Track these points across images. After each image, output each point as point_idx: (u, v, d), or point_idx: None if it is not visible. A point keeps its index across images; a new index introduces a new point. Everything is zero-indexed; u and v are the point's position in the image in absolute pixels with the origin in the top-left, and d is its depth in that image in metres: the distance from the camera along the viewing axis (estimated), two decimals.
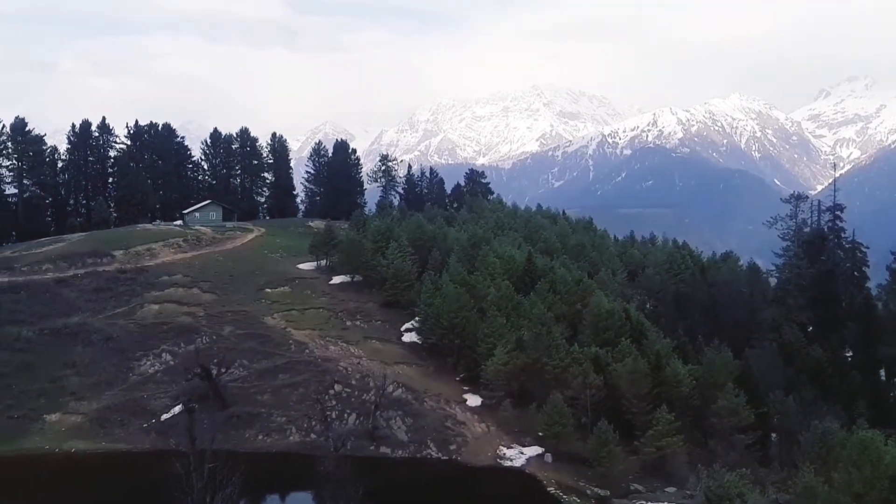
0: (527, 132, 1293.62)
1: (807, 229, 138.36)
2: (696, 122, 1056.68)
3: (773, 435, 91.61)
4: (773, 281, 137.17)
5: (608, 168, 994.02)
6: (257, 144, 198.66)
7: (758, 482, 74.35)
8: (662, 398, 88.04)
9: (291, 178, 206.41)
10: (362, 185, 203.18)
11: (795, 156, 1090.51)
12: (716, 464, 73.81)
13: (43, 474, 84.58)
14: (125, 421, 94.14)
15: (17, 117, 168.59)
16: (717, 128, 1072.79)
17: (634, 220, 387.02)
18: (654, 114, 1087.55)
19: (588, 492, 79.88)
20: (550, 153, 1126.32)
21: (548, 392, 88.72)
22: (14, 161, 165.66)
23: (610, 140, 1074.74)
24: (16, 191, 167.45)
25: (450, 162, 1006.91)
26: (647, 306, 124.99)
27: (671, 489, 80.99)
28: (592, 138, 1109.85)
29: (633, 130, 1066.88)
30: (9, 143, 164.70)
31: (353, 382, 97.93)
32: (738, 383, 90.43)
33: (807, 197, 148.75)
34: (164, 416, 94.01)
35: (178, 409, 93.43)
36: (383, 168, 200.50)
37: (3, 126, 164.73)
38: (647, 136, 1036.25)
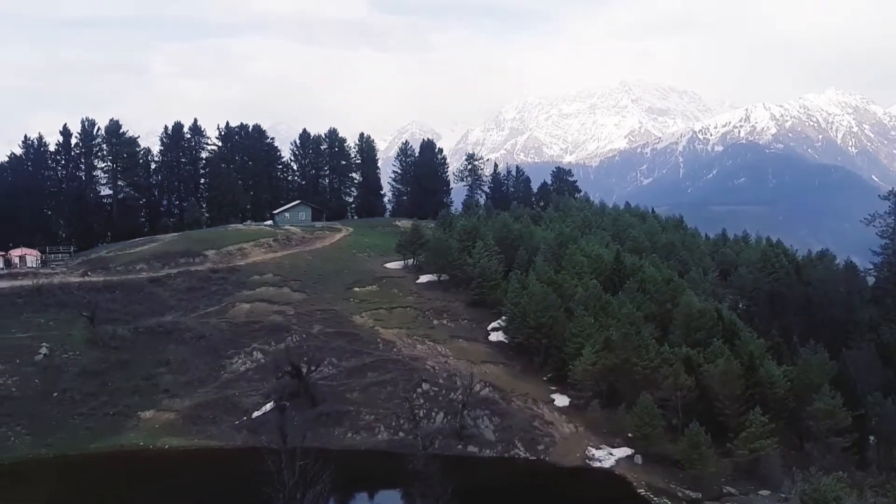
0: (615, 129, 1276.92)
1: None
2: (791, 118, 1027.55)
3: (871, 437, 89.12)
4: (870, 280, 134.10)
5: (699, 165, 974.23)
6: (345, 145, 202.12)
7: (855, 486, 72.43)
8: (756, 400, 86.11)
9: (379, 178, 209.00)
10: (449, 185, 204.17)
11: (894, 151, 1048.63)
12: (811, 467, 72.91)
13: (137, 470, 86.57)
14: (217, 418, 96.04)
15: (111, 120, 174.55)
16: (811, 123, 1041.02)
17: (726, 218, 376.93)
18: (747, 109, 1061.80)
19: (679, 494, 78.59)
20: (639, 150, 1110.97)
21: (637, 393, 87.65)
22: (109, 163, 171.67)
23: (700, 136, 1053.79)
24: (111, 192, 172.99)
25: (536, 160, 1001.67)
26: (740, 306, 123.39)
27: (765, 492, 79.25)
28: (682, 135, 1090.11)
29: (724, 126, 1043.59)
30: (104, 146, 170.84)
31: (441, 381, 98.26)
32: (835, 385, 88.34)
33: None
34: (256, 414, 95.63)
35: (268, 406, 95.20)
36: (469, 167, 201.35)
37: (98, 129, 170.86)
38: (739, 131, 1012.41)
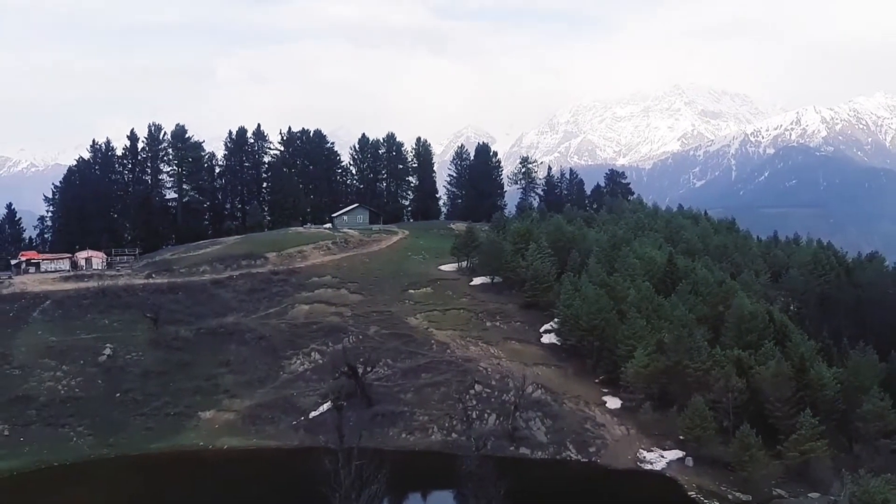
0: (667, 132, 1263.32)
1: None
2: (841, 121, 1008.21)
3: None
4: None
5: (751, 167, 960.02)
6: (402, 149, 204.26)
7: None
8: (806, 402, 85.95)
9: (434, 182, 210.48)
10: (503, 188, 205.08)
11: None
12: (861, 469, 72.19)
13: (196, 470, 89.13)
14: (275, 418, 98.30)
15: (177, 125, 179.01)
16: (861, 126, 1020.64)
17: (778, 220, 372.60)
18: (798, 112, 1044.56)
19: (730, 496, 78.95)
20: (692, 153, 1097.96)
21: (689, 395, 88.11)
22: (174, 167, 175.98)
23: (752, 139, 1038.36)
24: (176, 195, 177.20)
25: (589, 163, 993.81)
26: (791, 308, 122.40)
27: (815, 495, 79.13)
28: (735, 137, 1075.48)
29: (775, 129, 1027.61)
30: (170, 150, 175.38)
31: (493, 383, 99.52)
32: (885, 387, 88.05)
33: None
34: (313, 414, 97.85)
35: (325, 406, 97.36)
36: (523, 170, 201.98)
37: (165, 133, 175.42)
38: (791, 134, 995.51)
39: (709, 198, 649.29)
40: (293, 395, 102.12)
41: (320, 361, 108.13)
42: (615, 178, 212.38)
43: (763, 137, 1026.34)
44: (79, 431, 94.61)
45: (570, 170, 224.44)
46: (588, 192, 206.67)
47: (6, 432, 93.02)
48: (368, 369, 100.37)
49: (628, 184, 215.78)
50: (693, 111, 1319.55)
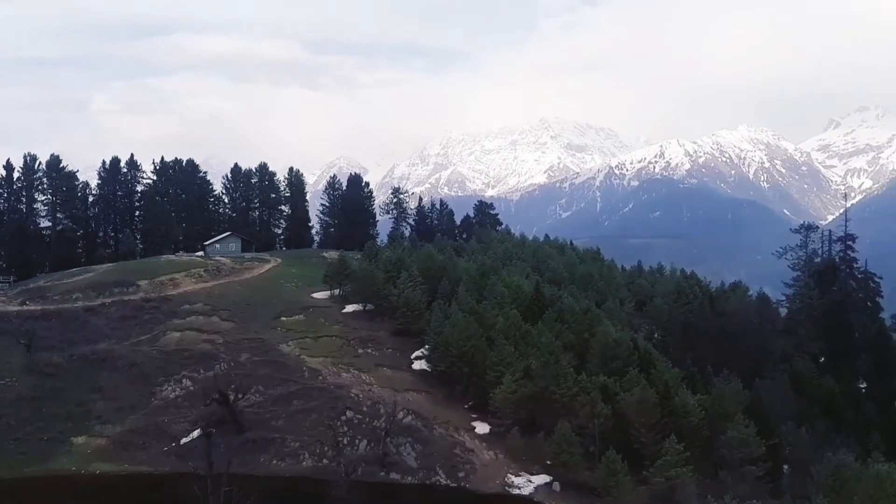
0: (535, 165, 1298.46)
1: (818, 259, 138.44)
2: (704, 153, 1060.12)
3: (785, 467, 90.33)
4: (783, 311, 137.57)
5: (615, 199, 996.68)
6: (275, 178, 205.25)
7: None
8: (671, 428, 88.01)
9: (307, 211, 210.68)
10: (375, 217, 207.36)
11: (805, 186, 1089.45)
12: (726, 495, 74.16)
13: (69, 495, 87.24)
14: (147, 444, 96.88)
15: (52, 155, 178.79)
16: (724, 159, 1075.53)
17: (642, 251, 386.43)
18: (661, 145, 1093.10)
19: None
20: (558, 185, 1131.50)
21: (556, 420, 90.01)
22: (49, 196, 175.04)
23: (617, 171, 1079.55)
24: (50, 224, 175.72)
25: (459, 194, 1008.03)
26: (656, 336, 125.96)
27: None
28: (600, 170, 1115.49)
29: (640, 162, 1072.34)
30: (44, 179, 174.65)
31: (365, 409, 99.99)
32: (749, 414, 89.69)
33: (817, 227, 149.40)
34: (184, 440, 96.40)
35: (196, 433, 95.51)
36: (395, 200, 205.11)
37: (39, 163, 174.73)
38: (655, 167, 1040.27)
39: (575, 228, 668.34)
40: (165, 422, 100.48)
41: (192, 388, 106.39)
42: (484, 209, 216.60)
43: (627, 170, 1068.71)
44: None
45: (441, 200, 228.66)
46: (458, 223, 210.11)
47: None
48: (240, 396, 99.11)
49: (497, 214, 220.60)
50: (559, 144, 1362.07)
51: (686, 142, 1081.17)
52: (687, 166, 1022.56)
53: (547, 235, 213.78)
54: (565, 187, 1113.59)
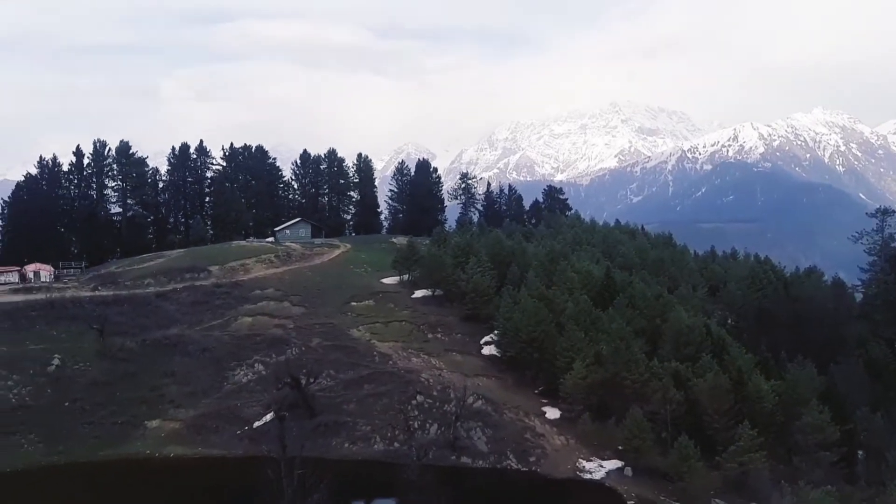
0: (605, 149, 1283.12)
1: (894, 244, 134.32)
2: (778, 137, 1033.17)
3: (860, 452, 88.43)
4: (858, 296, 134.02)
5: (688, 183, 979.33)
6: (344, 164, 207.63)
7: (843, 500, 72.92)
8: (745, 414, 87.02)
9: (376, 196, 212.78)
10: (443, 203, 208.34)
11: (881, 170, 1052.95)
12: (800, 481, 73.06)
13: (144, 477, 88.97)
14: (220, 428, 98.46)
15: (121, 141, 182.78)
16: (799, 142, 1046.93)
17: (715, 236, 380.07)
18: (735, 129, 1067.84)
19: None
20: (629, 169, 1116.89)
21: (627, 406, 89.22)
22: (119, 182, 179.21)
23: (689, 155, 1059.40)
24: (120, 210, 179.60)
25: (528, 179, 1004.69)
26: (729, 322, 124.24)
27: None
28: (672, 154, 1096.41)
29: (713, 146, 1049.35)
30: (114, 166, 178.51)
31: (435, 394, 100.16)
32: (823, 400, 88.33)
33: (893, 212, 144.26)
34: (256, 424, 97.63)
35: (269, 417, 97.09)
36: (463, 186, 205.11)
37: (109, 150, 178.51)
38: (728, 151, 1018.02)
39: (646, 213, 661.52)
40: (237, 406, 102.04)
41: (263, 373, 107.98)
42: (553, 194, 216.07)
43: (700, 154, 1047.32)
44: (30, 439, 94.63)
45: (510, 185, 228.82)
46: (527, 208, 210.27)
47: None
48: (311, 380, 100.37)
49: (566, 199, 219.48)
50: (630, 128, 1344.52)
51: (760, 125, 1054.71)
52: (761, 150, 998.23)
53: (617, 220, 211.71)
54: (636, 171, 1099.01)
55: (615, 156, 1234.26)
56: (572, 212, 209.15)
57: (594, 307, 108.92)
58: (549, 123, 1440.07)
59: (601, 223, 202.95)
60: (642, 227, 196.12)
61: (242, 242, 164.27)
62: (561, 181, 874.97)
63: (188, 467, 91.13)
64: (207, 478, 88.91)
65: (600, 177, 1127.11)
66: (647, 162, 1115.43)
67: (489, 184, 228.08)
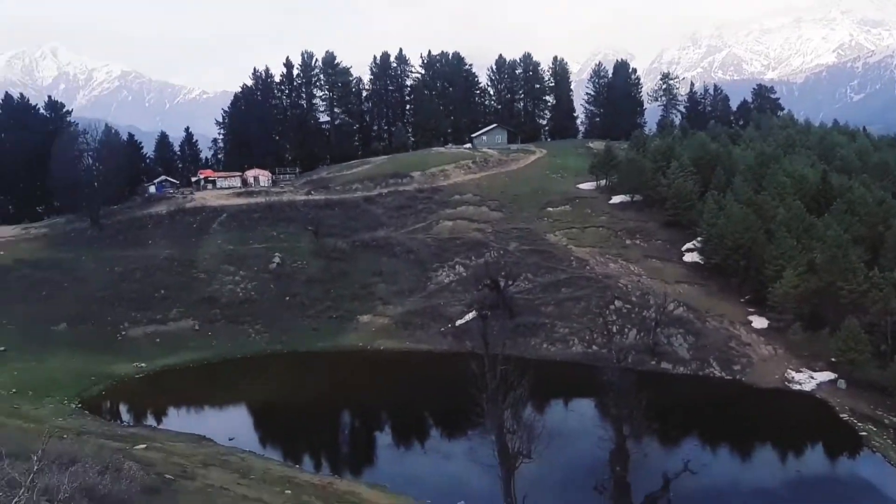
0: (822, 43, 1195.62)
1: None
2: None
3: None
4: None
5: None
6: (539, 68, 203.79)
7: None
8: None
9: (571, 101, 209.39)
10: (642, 105, 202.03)
11: None
12: None
13: (358, 366, 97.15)
14: (425, 324, 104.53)
15: (327, 52, 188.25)
16: None
17: None
18: None
19: (886, 421, 75.74)
20: (849, 65, 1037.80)
21: (842, 317, 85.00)
22: (326, 91, 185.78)
23: None
24: (328, 118, 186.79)
25: (735, 78, 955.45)
26: None
27: None
28: None
29: None
30: (321, 76, 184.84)
31: (633, 299, 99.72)
32: None
33: None
34: (459, 322, 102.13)
35: (470, 315, 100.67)
36: (664, 86, 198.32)
37: (316, 60, 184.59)
38: None
39: (869, 113, 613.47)
40: (440, 305, 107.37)
41: (464, 274, 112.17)
42: (763, 94, 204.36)
43: None
44: (256, 329, 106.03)
45: (714, 85, 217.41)
46: (733, 109, 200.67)
47: (196, 327, 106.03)
48: (510, 282, 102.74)
49: (777, 99, 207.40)
50: (851, 20, 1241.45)
51: None
52: None
53: (835, 121, 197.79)
54: (858, 67, 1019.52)
55: (833, 51, 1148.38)
56: (784, 112, 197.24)
57: (808, 213, 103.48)
58: (759, 17, 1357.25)
59: (817, 124, 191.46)
60: (864, 128, 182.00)
61: (441, 149, 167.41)
62: (772, 79, 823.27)
63: (397, 359, 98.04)
64: (415, 368, 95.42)
65: (816, 74, 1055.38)
66: (871, 56, 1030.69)
67: (692, 84, 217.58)
